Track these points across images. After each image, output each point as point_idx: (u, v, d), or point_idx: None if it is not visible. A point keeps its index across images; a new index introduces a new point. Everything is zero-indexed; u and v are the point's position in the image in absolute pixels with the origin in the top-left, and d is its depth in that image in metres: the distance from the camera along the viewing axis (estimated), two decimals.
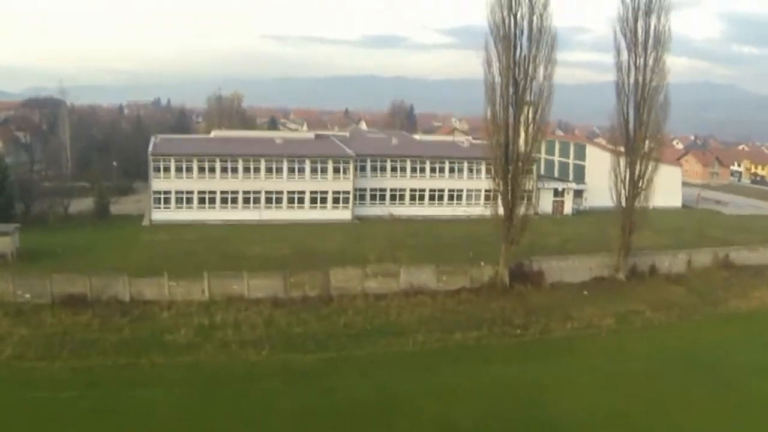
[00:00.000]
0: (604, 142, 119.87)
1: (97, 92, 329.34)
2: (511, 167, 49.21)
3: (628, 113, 51.93)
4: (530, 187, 50.80)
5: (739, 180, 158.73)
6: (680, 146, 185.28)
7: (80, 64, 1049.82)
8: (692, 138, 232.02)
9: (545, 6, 47.07)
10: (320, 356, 37.12)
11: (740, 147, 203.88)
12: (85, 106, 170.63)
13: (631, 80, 51.06)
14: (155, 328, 40.21)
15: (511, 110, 48.35)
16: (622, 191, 53.17)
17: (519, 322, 43.60)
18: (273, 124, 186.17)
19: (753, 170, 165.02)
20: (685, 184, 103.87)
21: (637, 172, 52.42)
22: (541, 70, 47.68)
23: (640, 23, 50.13)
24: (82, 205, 73.39)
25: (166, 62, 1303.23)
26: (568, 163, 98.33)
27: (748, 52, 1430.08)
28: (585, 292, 50.89)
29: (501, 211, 50.27)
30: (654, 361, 38.07)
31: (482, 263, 51.14)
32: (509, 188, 49.36)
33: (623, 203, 53.40)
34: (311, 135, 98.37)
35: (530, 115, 48.55)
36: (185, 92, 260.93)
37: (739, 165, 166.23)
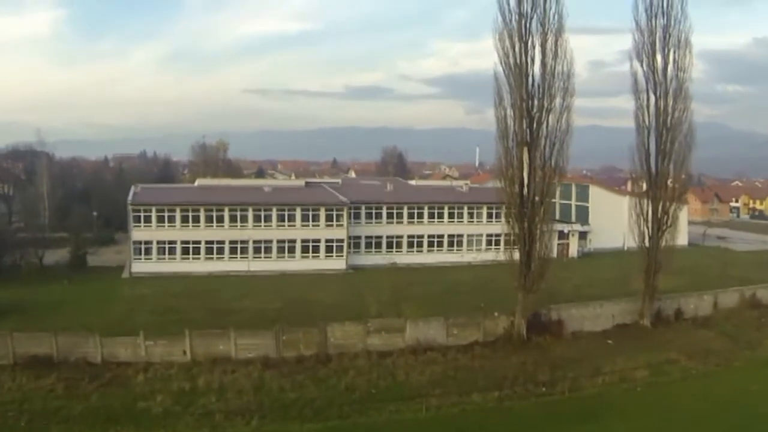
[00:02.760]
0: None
1: (81, 146, 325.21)
2: (527, 209, 44.70)
3: (649, 146, 47.90)
4: (545, 230, 45.87)
5: (738, 216, 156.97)
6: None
7: (63, 118, 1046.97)
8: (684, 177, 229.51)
9: (560, 31, 43.17)
10: (319, 426, 31.97)
11: (734, 183, 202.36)
12: (67, 158, 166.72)
13: (652, 111, 47.14)
14: (128, 395, 35.15)
15: (525, 147, 44.13)
16: (645, 231, 48.84)
17: (543, 379, 38.56)
18: (260, 175, 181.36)
19: (751, 205, 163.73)
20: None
21: (660, 209, 48.22)
22: (557, 102, 43.55)
23: (659, 51, 46.49)
24: (58, 256, 68.43)
25: (151, 117, 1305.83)
26: (569, 205, 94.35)
27: (733, 90, 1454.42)
28: (609, 342, 46.30)
29: (516, 256, 45.65)
30: (710, 421, 33.20)
31: (496, 314, 46.31)
32: (526, 232, 44.76)
33: (647, 243, 49.02)
34: (302, 183, 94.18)
35: (547, 152, 44.18)
36: (171, 145, 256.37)
37: (737, 201, 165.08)
